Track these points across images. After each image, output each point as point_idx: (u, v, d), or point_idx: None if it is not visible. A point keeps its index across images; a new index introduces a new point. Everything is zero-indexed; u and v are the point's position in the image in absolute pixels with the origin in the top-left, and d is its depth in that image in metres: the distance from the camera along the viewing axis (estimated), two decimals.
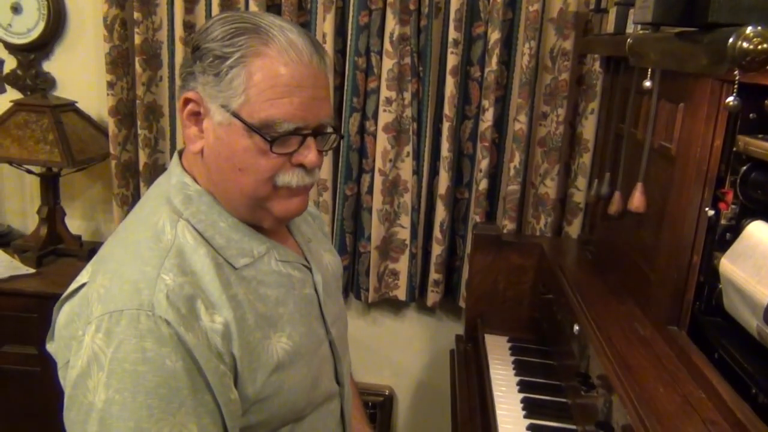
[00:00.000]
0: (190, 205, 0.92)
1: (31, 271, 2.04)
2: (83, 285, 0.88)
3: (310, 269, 1.04)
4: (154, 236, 0.88)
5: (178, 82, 0.95)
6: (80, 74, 2.23)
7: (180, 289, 0.83)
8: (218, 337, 0.84)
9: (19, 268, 2.04)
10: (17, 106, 2.03)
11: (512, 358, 1.64)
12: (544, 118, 2.02)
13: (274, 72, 0.86)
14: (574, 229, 2.03)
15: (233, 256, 0.92)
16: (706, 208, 1.15)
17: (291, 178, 0.91)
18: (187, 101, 0.91)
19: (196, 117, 0.91)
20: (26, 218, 2.36)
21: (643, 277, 1.33)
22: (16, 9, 2.16)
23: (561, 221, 2.08)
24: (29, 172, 2.13)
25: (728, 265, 1.09)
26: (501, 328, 1.81)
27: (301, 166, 0.91)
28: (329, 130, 0.95)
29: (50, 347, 0.91)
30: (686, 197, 1.17)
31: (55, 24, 2.18)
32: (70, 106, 2.12)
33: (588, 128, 1.96)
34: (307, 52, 0.88)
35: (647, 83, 1.15)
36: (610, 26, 1.51)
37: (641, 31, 1.13)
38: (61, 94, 2.23)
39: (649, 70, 1.15)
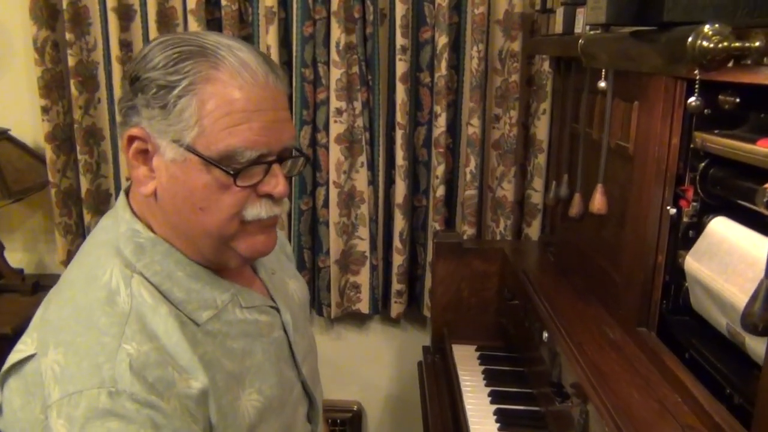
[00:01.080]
0: (143, 255, 0.83)
1: None
2: (30, 356, 0.77)
3: (278, 309, 0.97)
4: (108, 298, 0.79)
5: (118, 117, 0.85)
6: (12, 100, 2.11)
7: (146, 357, 0.74)
8: (194, 404, 0.77)
9: None
10: None
11: (482, 368, 1.61)
12: (496, 120, 2.00)
13: (228, 97, 0.78)
14: (533, 230, 2.02)
15: (195, 311, 0.83)
16: (668, 207, 1.13)
17: (260, 210, 0.83)
18: (131, 139, 0.81)
19: (144, 155, 0.82)
20: None
21: (609, 279, 1.32)
22: None
23: (520, 223, 2.07)
24: None
25: (693, 263, 1.08)
26: (468, 337, 1.78)
27: (269, 196, 0.83)
28: (294, 153, 0.88)
29: None
30: (647, 196, 1.15)
31: None
32: (3, 134, 2.01)
33: (541, 129, 1.95)
34: (262, 71, 0.81)
35: (602, 84, 1.13)
36: (557, 27, 1.49)
37: (592, 32, 1.11)
38: None
39: (603, 70, 1.13)
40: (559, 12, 1.45)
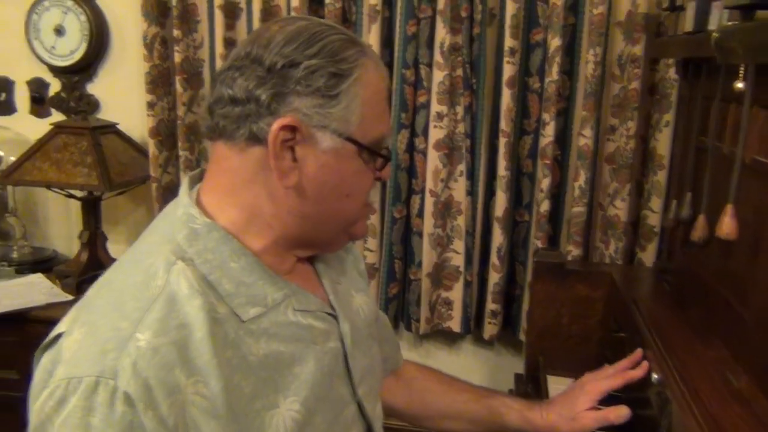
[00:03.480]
0: (196, 241, 0.78)
1: (70, 297, 1.97)
2: (62, 333, 0.74)
3: (336, 317, 0.88)
4: (144, 282, 0.74)
5: (228, 94, 0.78)
6: (123, 95, 2.18)
7: (153, 354, 0.68)
8: (198, 412, 0.69)
9: (58, 295, 1.97)
10: (57, 128, 1.99)
11: None
12: (612, 132, 1.82)
13: (379, 85, 0.82)
14: (648, 255, 1.81)
15: (241, 305, 0.77)
16: None
17: (373, 193, 0.87)
18: (283, 128, 0.75)
19: (287, 144, 0.77)
20: (72, 243, 2.31)
21: (736, 317, 1.12)
22: (59, 31, 2.13)
23: (633, 246, 1.87)
24: (69, 196, 2.07)
25: None
26: (565, 369, 1.60)
27: (378, 180, 0.87)
28: None
29: None
30: None
31: (98, 45, 2.13)
32: (111, 128, 2.07)
33: (662, 142, 1.75)
34: (380, 60, 0.85)
35: (740, 84, 0.95)
36: (687, 25, 1.31)
37: (729, 22, 0.94)
38: (104, 116, 2.19)
39: (741, 68, 0.95)
40: (691, 7, 1.27)
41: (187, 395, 0.69)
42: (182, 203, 0.81)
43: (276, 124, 0.75)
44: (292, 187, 0.78)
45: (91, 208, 2.06)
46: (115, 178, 1.93)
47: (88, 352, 0.68)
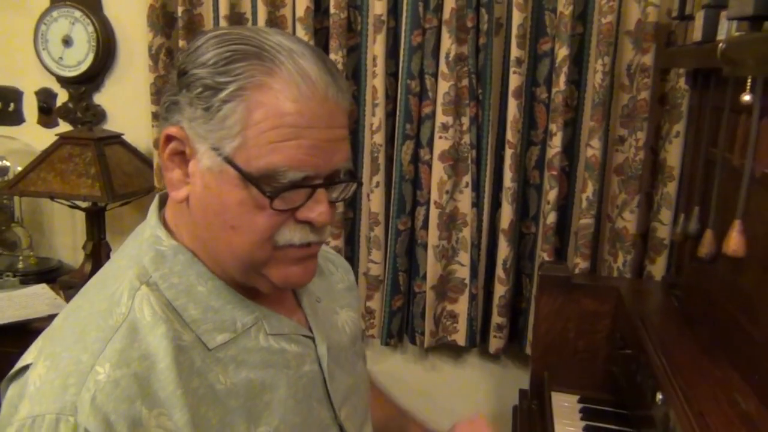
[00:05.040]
0: (162, 264, 0.75)
1: None
2: (29, 365, 0.72)
3: (313, 339, 0.85)
4: (107, 310, 0.71)
5: (160, 110, 0.78)
6: (129, 106, 2.17)
7: (113, 387, 0.65)
8: None
9: (61, 306, 1.97)
10: (62, 139, 1.99)
11: (583, 423, 1.40)
12: (620, 142, 1.78)
13: (279, 109, 0.69)
14: (657, 268, 1.77)
15: (208, 332, 0.74)
16: None
17: (292, 235, 0.74)
18: (169, 138, 0.73)
19: (181, 158, 0.73)
20: (77, 253, 2.31)
21: (745, 336, 1.08)
22: (67, 42, 2.13)
23: (642, 260, 1.82)
24: (74, 207, 2.07)
25: None
26: (571, 385, 1.57)
27: (308, 222, 0.74)
28: (343, 176, 0.77)
29: None
30: None
31: (105, 55, 2.13)
32: (116, 139, 2.06)
33: (672, 154, 1.71)
34: (323, 83, 0.71)
35: (746, 97, 0.92)
36: (696, 34, 1.28)
37: (736, 33, 0.91)
38: (111, 127, 2.19)
39: (749, 80, 0.92)
40: (699, 16, 1.24)
41: (150, 429, 0.66)
42: (150, 224, 0.78)
43: (162, 132, 0.73)
44: (182, 200, 0.74)
45: (95, 219, 2.06)
46: (118, 189, 1.93)
47: (51, 387, 0.67)
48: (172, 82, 0.74)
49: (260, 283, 0.77)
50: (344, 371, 0.89)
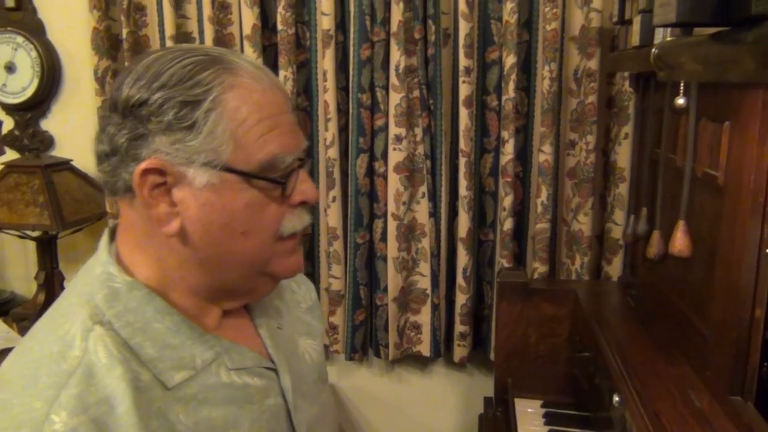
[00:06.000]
0: (116, 302, 0.72)
1: None
2: None
3: (276, 371, 0.83)
4: (60, 353, 0.68)
5: (103, 153, 0.74)
6: (77, 130, 2.13)
7: None
8: None
9: (14, 340, 1.91)
10: (8, 168, 1.94)
11: (546, 429, 1.41)
12: (572, 146, 1.81)
13: (258, 103, 0.72)
14: (614, 269, 1.79)
15: (166, 371, 0.71)
16: (767, 249, 0.92)
17: (296, 222, 0.77)
18: (145, 173, 0.69)
19: (162, 189, 0.71)
20: (29, 283, 2.24)
21: (696, 333, 1.10)
22: (9, 68, 2.09)
23: (599, 261, 1.85)
24: (23, 237, 2.02)
25: None
26: (534, 390, 1.57)
27: (302, 204, 0.78)
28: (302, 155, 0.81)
29: None
30: (741, 236, 0.94)
31: (50, 80, 2.09)
32: (65, 165, 2.01)
33: (622, 155, 1.74)
34: (266, 74, 0.75)
35: (680, 100, 0.94)
36: (635, 39, 1.30)
37: (669, 38, 0.93)
38: (60, 152, 2.14)
39: (682, 84, 0.94)
40: (636, 21, 1.27)
41: None
42: (101, 260, 0.75)
43: (136, 170, 0.69)
44: (176, 234, 0.72)
45: (46, 248, 2.01)
46: (68, 217, 1.88)
47: None
48: (118, 121, 0.71)
49: (262, 284, 0.79)
50: (308, 401, 0.87)
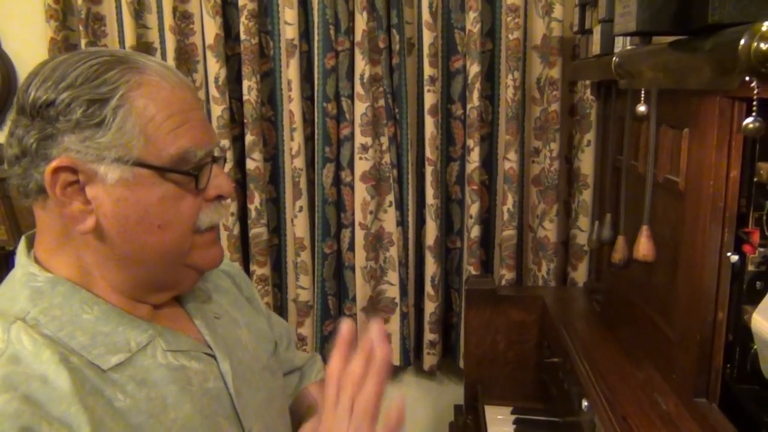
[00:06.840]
0: (41, 300, 0.73)
1: None
2: None
3: (214, 356, 0.83)
4: None
5: (12, 156, 0.75)
6: None
7: (17, 415, 0.63)
8: None
9: None
10: None
11: None
12: (536, 154, 1.83)
13: (166, 99, 0.74)
14: (580, 275, 1.82)
15: (100, 356, 0.72)
16: (728, 253, 0.94)
17: (213, 215, 0.80)
18: (56, 172, 0.70)
19: (75, 187, 0.72)
20: None
21: (661, 336, 1.12)
22: None
23: (565, 267, 1.87)
24: None
25: (762, 321, 0.88)
26: (504, 396, 1.58)
27: (217, 198, 0.81)
28: (217, 153, 0.83)
29: None
30: (702, 240, 0.96)
31: (5, 92, 2.02)
32: None
33: (586, 162, 1.77)
34: (172, 72, 0.78)
35: (641, 108, 0.96)
36: (596, 48, 1.33)
37: (629, 47, 0.94)
38: None
39: (643, 91, 0.95)
40: (596, 31, 1.29)
41: None
42: (20, 264, 0.77)
43: (47, 169, 0.70)
44: (91, 231, 0.73)
45: (3, 264, 1.95)
46: (25, 231, 1.83)
47: None
48: (24, 122, 0.72)
49: (185, 275, 0.81)
50: (253, 388, 0.87)
